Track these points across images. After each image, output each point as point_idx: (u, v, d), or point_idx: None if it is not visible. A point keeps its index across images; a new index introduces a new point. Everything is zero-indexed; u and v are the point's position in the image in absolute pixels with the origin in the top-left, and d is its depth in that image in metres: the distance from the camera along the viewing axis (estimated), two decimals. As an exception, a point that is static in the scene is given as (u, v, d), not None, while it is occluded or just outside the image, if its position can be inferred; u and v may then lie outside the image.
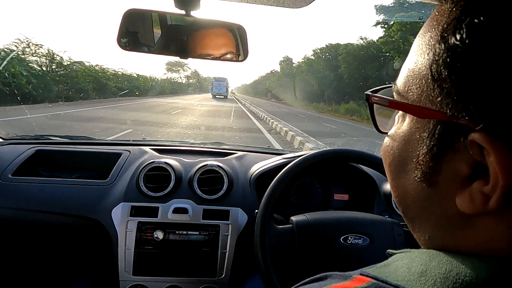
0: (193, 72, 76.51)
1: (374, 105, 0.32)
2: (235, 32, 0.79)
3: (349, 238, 0.80)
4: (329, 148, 0.95)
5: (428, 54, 0.25)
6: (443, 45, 0.23)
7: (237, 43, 0.79)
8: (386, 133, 0.32)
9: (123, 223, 0.98)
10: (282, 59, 55.00)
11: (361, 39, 29.05)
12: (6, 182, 1.05)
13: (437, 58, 0.23)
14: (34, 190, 1.05)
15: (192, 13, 0.72)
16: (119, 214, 0.99)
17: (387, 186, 1.13)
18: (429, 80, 0.24)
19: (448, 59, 0.22)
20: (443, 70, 0.23)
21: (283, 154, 1.24)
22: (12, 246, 1.18)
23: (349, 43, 29.80)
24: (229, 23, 0.78)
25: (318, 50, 36.08)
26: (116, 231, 0.98)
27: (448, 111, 0.23)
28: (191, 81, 76.02)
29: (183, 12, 0.71)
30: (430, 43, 0.25)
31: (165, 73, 44.80)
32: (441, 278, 0.22)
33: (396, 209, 1.09)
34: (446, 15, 0.24)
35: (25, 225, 1.07)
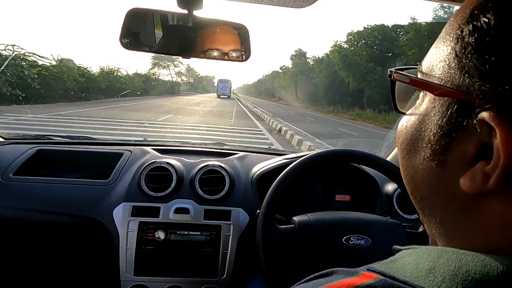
0: (188, 68, 65.19)
1: (396, 83, 0.33)
2: (237, 31, 0.79)
3: (351, 239, 0.79)
4: (331, 148, 0.95)
5: (454, 35, 0.25)
6: (471, 25, 0.23)
7: (239, 43, 0.79)
8: (404, 112, 0.32)
9: (125, 223, 0.97)
10: (294, 53, 46.60)
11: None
12: (7, 182, 1.05)
13: (462, 37, 0.24)
14: (35, 189, 1.05)
15: (195, 12, 0.72)
16: (120, 214, 0.99)
17: (389, 187, 1.13)
18: (451, 60, 0.25)
19: (472, 39, 0.23)
20: (466, 49, 0.23)
21: (285, 154, 1.24)
22: (13, 246, 1.18)
23: (414, 20, 22.87)
24: (232, 22, 0.78)
25: (355, 35, 27.35)
26: (118, 231, 0.98)
27: (465, 89, 0.23)
28: (184, 79, 64.38)
29: (185, 11, 0.71)
30: (458, 25, 0.25)
31: (151, 69, 37.62)
32: (450, 275, 0.22)
33: (399, 210, 1.08)
34: (476, 0, 0.24)
35: (26, 225, 1.07)
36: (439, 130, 0.25)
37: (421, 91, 0.30)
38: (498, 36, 0.22)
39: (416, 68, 0.31)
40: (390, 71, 0.32)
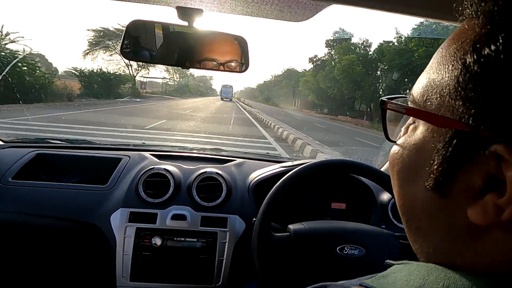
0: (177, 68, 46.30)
1: (387, 112, 0.33)
2: (236, 42, 0.81)
3: (345, 249, 0.81)
4: (328, 158, 0.97)
5: (453, 65, 0.25)
6: (474, 55, 0.23)
7: (238, 54, 0.81)
8: (395, 141, 0.32)
9: (122, 229, 0.98)
10: (332, 37, 38.99)
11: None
12: (6, 186, 1.06)
13: (466, 68, 0.23)
14: (34, 194, 1.06)
15: (195, 24, 0.74)
16: (117, 220, 0.99)
17: (384, 197, 1.14)
18: (452, 91, 0.24)
19: (478, 69, 0.22)
20: (471, 80, 0.23)
21: (282, 162, 1.25)
22: (11, 249, 1.18)
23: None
24: (231, 34, 0.80)
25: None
26: (115, 236, 0.98)
27: (470, 122, 0.23)
28: (170, 79, 49.00)
29: (186, 23, 0.73)
30: (456, 55, 0.25)
31: (136, 69, 28.65)
32: None
33: (393, 219, 1.09)
34: (477, 28, 0.24)
35: (24, 229, 1.07)
36: (443, 161, 0.25)
37: (412, 119, 0.30)
38: (507, 66, 0.21)
39: (405, 97, 0.31)
40: (382, 100, 0.32)
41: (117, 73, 24.78)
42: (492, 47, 0.22)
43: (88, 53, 27.07)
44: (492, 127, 0.22)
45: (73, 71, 21.00)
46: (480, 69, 0.22)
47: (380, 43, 30.75)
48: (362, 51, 32.90)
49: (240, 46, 0.80)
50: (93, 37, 27.28)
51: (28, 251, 1.18)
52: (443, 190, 0.25)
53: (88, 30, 31.10)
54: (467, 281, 0.23)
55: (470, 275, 0.24)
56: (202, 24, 0.74)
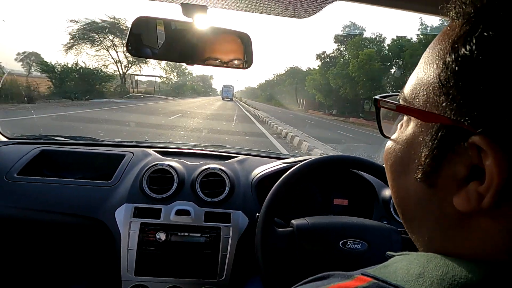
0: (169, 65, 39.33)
1: (381, 109, 0.35)
2: (240, 40, 0.81)
3: (348, 243, 0.81)
4: (331, 154, 0.97)
5: (437, 64, 0.27)
6: (453, 55, 0.25)
7: (242, 51, 0.81)
8: (389, 137, 0.34)
9: (126, 224, 0.99)
10: (342, 32, 36.51)
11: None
12: (11, 182, 1.07)
13: (446, 66, 0.25)
14: (39, 189, 1.07)
15: (199, 21, 0.74)
16: (122, 215, 1.00)
17: (386, 193, 1.15)
18: (436, 88, 0.26)
19: (456, 68, 0.24)
20: (451, 78, 0.25)
21: (284, 158, 1.26)
22: (16, 245, 1.19)
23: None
24: (234, 31, 0.80)
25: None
26: (119, 231, 0.99)
27: (452, 116, 0.25)
28: (167, 78, 42.06)
29: (190, 20, 0.74)
30: (439, 54, 0.27)
31: (125, 65, 25.00)
32: (437, 279, 0.24)
33: (395, 215, 1.10)
34: (457, 29, 0.26)
35: (29, 225, 1.09)
36: (430, 153, 0.27)
37: (405, 116, 0.31)
38: (482, 65, 0.23)
39: (397, 94, 0.33)
40: (375, 99, 0.34)
41: (98, 70, 20.51)
42: (467, 47, 0.24)
43: (70, 47, 22.95)
44: (471, 120, 0.23)
45: (42, 66, 16.90)
46: (458, 68, 0.24)
47: (397, 37, 28.22)
48: (375, 47, 30.07)
49: (244, 43, 0.80)
50: (76, 30, 23.31)
51: (33, 247, 1.20)
52: (431, 181, 0.27)
53: (71, 21, 25.51)
54: (464, 267, 0.24)
55: (467, 261, 0.25)
56: (207, 20, 0.75)
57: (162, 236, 0.99)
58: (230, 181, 1.09)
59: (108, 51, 25.37)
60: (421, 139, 0.28)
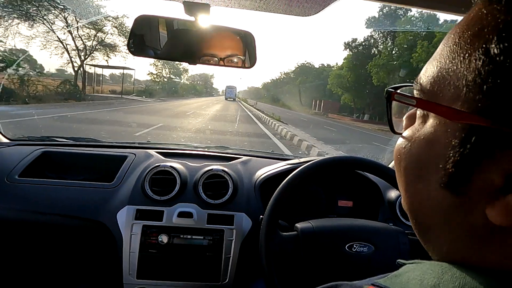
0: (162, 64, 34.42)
1: (393, 103, 0.30)
2: (243, 38, 0.80)
3: (354, 246, 0.79)
4: (335, 155, 0.95)
5: (471, 54, 0.23)
6: (501, 45, 0.21)
7: (245, 50, 0.80)
8: (401, 133, 0.30)
9: (128, 226, 0.98)
10: (378, 14, 27.29)
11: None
12: (13, 183, 1.06)
13: (490, 59, 0.21)
14: (41, 191, 1.06)
15: (201, 19, 0.73)
16: (124, 217, 0.99)
17: (392, 194, 1.13)
18: (470, 82, 0.22)
19: (505, 60, 0.20)
20: (495, 72, 0.21)
21: (288, 159, 1.25)
22: (18, 247, 1.18)
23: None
24: (238, 29, 0.79)
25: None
26: (121, 234, 0.98)
27: (491, 116, 0.21)
28: (157, 75, 35.56)
29: (192, 18, 0.73)
30: (474, 43, 0.23)
31: (81, 53, 16.06)
32: None
33: (401, 217, 1.08)
34: (501, 14, 0.22)
35: (30, 226, 1.08)
36: (459, 157, 0.23)
37: (419, 110, 0.28)
38: None
39: (410, 85, 0.29)
40: (388, 91, 0.30)
41: (7, 57, 12.89)
42: None
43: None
44: None
45: None
46: (509, 62, 0.20)
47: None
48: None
49: (248, 42, 0.79)
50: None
51: (34, 249, 1.19)
52: (459, 189, 0.24)
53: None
54: (483, 280, 0.22)
55: (486, 274, 0.23)
56: (209, 19, 0.73)
57: (164, 238, 0.97)
58: (233, 182, 1.07)
59: (53, 31, 15.94)
60: (446, 140, 0.24)
